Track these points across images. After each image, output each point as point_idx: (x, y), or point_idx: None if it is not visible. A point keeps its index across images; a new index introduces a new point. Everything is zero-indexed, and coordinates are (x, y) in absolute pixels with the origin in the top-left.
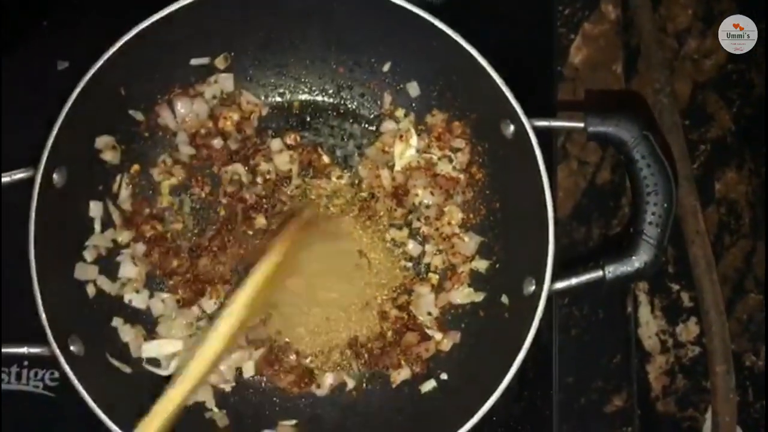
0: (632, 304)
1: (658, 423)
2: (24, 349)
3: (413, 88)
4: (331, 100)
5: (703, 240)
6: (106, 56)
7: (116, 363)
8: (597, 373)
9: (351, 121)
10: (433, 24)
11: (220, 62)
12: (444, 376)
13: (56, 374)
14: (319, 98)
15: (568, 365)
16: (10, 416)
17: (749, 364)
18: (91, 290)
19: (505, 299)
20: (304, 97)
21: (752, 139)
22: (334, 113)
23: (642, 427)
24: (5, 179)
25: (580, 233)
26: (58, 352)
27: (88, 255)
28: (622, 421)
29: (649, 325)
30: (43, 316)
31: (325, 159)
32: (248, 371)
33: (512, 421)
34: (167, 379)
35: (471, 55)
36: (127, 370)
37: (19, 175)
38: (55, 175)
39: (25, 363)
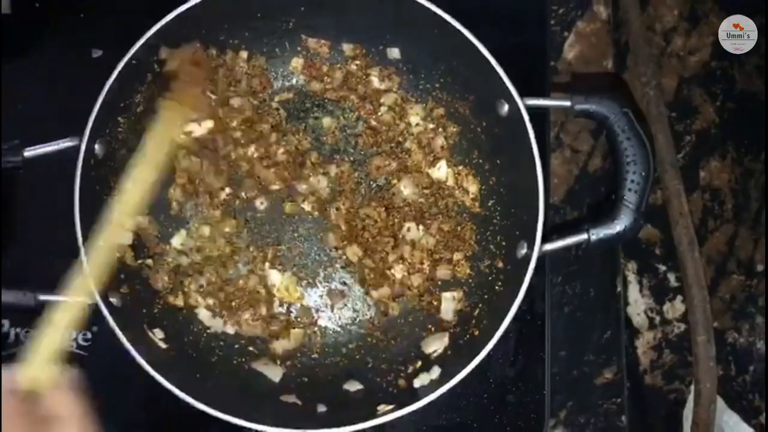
0: (622, 283)
1: (646, 394)
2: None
3: (417, 73)
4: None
5: (686, 221)
6: (147, 35)
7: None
8: (588, 347)
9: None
10: (437, 14)
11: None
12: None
13: (89, 335)
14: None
15: (561, 340)
16: None
17: (731, 341)
18: (128, 255)
19: (500, 263)
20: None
21: (735, 131)
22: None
23: (631, 399)
24: (53, 147)
25: (572, 216)
26: (100, 299)
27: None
28: (612, 392)
29: (637, 303)
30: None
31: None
32: None
33: (507, 383)
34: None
35: (470, 42)
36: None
37: (66, 144)
38: (96, 146)
39: None
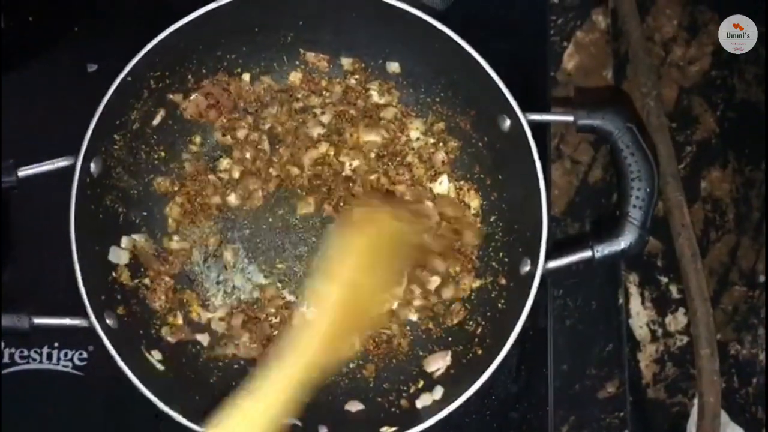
0: (623, 295)
1: (649, 408)
2: (65, 321)
3: (417, 87)
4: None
5: (688, 232)
6: (144, 51)
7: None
8: (590, 361)
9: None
10: (436, 28)
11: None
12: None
13: (84, 354)
14: None
15: (563, 353)
16: (41, 392)
17: (734, 353)
18: (125, 275)
19: (503, 280)
20: None
21: (735, 141)
22: None
23: (633, 413)
24: (48, 167)
25: (574, 228)
26: (95, 321)
27: (124, 242)
28: (614, 406)
29: (639, 315)
30: (83, 289)
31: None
32: None
33: (510, 400)
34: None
35: (471, 56)
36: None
37: (61, 163)
38: (92, 165)
39: (56, 344)
